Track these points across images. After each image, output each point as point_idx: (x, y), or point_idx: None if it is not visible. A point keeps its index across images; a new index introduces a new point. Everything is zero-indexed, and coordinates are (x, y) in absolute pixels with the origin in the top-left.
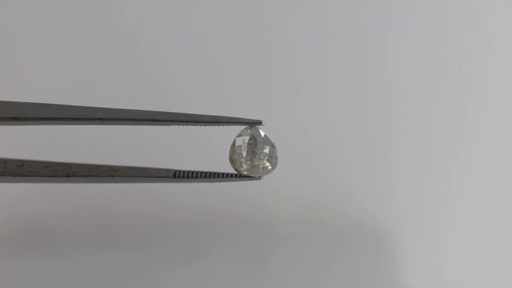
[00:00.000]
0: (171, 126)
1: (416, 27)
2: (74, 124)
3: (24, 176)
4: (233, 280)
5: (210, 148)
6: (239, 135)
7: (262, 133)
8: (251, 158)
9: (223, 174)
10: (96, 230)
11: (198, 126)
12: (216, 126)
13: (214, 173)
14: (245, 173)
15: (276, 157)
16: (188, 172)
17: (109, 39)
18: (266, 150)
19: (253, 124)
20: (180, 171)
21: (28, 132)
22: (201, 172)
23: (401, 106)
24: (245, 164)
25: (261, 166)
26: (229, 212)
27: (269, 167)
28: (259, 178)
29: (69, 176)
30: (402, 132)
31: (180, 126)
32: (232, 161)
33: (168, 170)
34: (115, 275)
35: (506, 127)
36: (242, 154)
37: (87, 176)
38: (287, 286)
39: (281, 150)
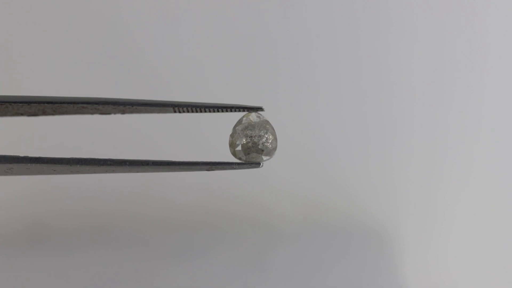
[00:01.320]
0: (174, 114)
1: (416, 27)
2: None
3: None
4: (234, 278)
5: (210, 141)
6: (239, 119)
7: (262, 117)
8: (251, 135)
9: (222, 162)
10: (96, 229)
11: (200, 115)
12: (219, 115)
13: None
14: (245, 156)
15: (276, 138)
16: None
17: (106, 32)
18: (265, 129)
19: (254, 109)
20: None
21: (26, 130)
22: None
23: (402, 106)
24: (244, 139)
25: (261, 143)
26: (229, 211)
27: (269, 146)
28: (259, 165)
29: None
30: (402, 132)
31: (183, 116)
32: (231, 145)
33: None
34: (116, 274)
35: (505, 127)
36: (242, 133)
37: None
38: (287, 284)
39: (283, 150)
